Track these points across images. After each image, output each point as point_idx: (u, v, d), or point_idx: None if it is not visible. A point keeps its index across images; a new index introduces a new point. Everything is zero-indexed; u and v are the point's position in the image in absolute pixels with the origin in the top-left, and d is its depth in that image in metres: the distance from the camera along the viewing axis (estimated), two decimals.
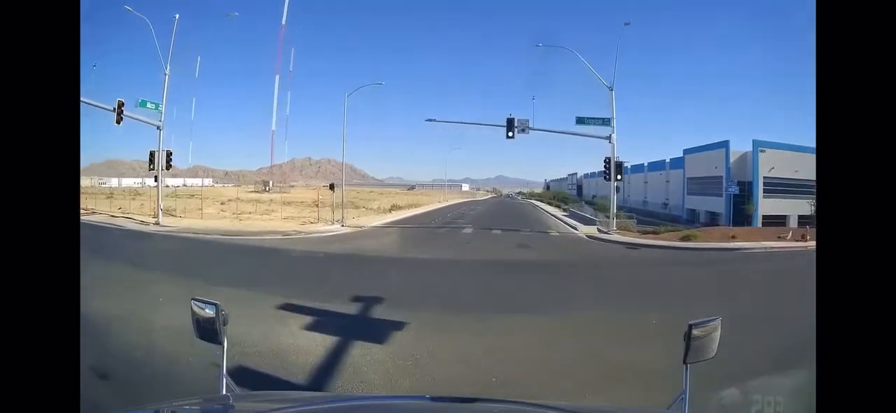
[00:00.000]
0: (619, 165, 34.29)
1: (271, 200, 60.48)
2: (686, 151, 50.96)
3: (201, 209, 44.97)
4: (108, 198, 55.31)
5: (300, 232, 31.80)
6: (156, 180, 35.37)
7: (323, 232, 32.44)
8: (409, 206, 63.90)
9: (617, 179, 34.24)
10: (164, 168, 34.58)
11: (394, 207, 57.90)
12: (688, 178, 49.58)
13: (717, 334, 2.64)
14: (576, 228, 38.49)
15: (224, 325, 2.86)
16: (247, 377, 6.69)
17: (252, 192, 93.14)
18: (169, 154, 34.80)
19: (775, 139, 42.48)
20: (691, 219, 45.05)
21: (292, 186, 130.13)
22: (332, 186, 40.13)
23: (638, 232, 34.26)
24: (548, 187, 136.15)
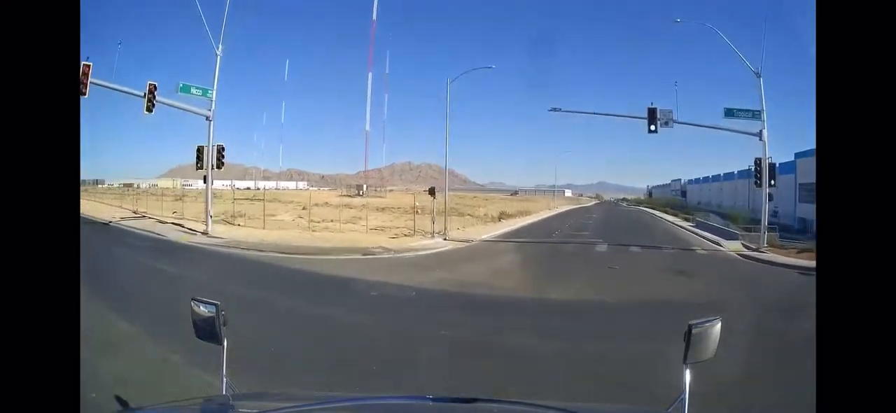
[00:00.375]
0: (772, 168, 30.29)
1: (363, 206, 55.54)
2: (798, 155, 47.08)
3: (271, 216, 39.69)
4: (177, 200, 51.85)
5: (389, 249, 25.37)
6: (205, 181, 30.49)
7: (419, 249, 26.13)
8: (519, 213, 58.55)
9: (770, 185, 30.17)
10: (215, 166, 29.53)
11: (503, 215, 52.50)
12: (800, 184, 46.19)
13: (717, 335, 2.70)
14: (719, 244, 33.00)
15: (224, 325, 2.95)
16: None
17: (343, 196, 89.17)
18: (220, 150, 29.61)
19: None
20: (802, 229, 41.46)
21: (389, 190, 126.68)
22: (432, 191, 34.24)
23: (789, 249, 28.47)
24: (650, 194, 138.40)
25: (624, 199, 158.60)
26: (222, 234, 28.89)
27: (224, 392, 3.01)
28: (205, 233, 28.84)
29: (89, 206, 56.49)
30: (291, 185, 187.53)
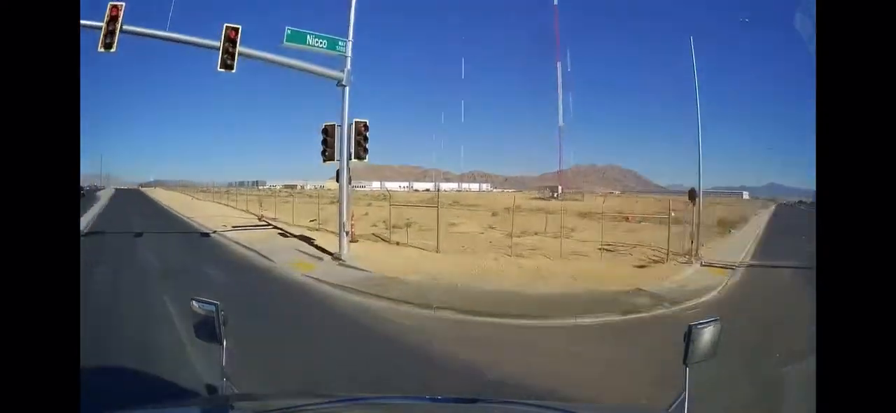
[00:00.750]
0: None
1: (563, 210, 44.56)
2: None
3: (450, 226, 29.80)
4: (332, 203, 44.32)
5: (655, 295, 14.52)
6: (337, 178, 20.16)
7: (693, 289, 15.82)
8: (740, 220, 47.42)
9: None
10: (351, 156, 19.22)
11: (723, 224, 40.18)
12: None
13: (718, 336, 2.78)
14: None
15: (224, 326, 2.99)
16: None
17: (536, 198, 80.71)
18: (362, 128, 19.25)
19: None
20: None
21: (580, 193, 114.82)
22: (692, 195, 24.09)
23: None
24: None
25: (801, 202, 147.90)
26: (365, 258, 18.78)
27: (224, 392, 3.07)
28: (336, 257, 19.01)
29: (210, 210, 50.40)
30: (474, 186, 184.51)
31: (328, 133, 19.29)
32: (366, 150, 19.18)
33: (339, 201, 19.90)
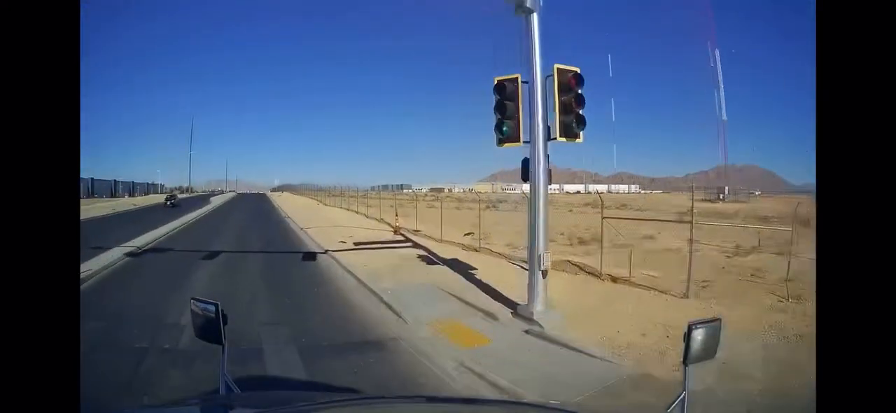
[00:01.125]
0: None
1: (736, 215, 38.53)
2: None
3: (646, 241, 21.67)
4: (488, 208, 35.61)
5: None
6: (523, 173, 10.62)
7: None
8: None
9: None
10: (552, 132, 10.32)
11: None
12: None
13: (718, 335, 2.70)
14: None
15: (224, 325, 2.90)
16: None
17: (703, 201, 72.38)
18: (570, 81, 10.31)
19: None
20: None
21: (748, 195, 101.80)
22: None
23: None
24: None
25: None
26: (576, 315, 10.33)
27: (224, 392, 2.97)
28: (523, 314, 10.42)
29: (335, 218, 42.99)
30: (622, 188, 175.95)
31: (505, 94, 10.84)
32: (581, 121, 10.34)
33: (530, 215, 10.82)
